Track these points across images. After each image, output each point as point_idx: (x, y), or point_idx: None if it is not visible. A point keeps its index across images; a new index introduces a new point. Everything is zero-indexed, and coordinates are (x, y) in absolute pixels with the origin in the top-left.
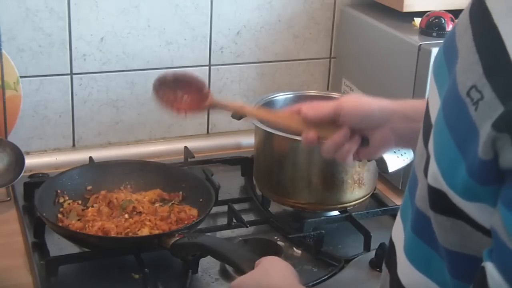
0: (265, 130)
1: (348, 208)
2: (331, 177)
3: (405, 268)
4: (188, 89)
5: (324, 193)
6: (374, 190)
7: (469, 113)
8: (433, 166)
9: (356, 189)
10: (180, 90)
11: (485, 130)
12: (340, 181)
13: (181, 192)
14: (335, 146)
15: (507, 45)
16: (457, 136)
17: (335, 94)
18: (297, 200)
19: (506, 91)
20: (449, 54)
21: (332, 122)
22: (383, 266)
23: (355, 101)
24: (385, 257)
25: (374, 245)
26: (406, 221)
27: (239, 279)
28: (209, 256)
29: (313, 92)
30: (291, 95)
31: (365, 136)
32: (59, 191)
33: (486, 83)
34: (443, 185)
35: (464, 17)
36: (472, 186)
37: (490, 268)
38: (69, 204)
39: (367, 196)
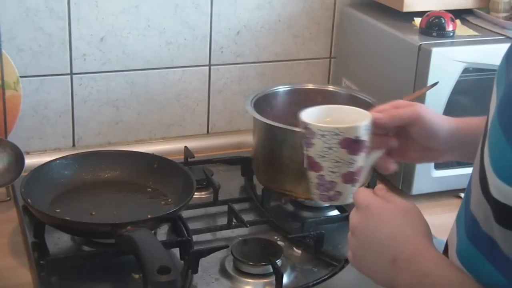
0: (264, 122)
1: (348, 208)
2: None
3: None
4: None
5: None
6: None
7: None
8: (492, 178)
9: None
10: None
11: None
12: None
13: None
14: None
15: None
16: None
17: (331, 87)
18: (297, 193)
19: None
20: (510, 59)
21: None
22: None
23: (429, 121)
24: None
25: None
26: (460, 225)
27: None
28: (209, 256)
29: (311, 86)
30: (289, 88)
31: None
32: None
33: None
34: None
35: None
36: None
37: None
38: None
39: None
